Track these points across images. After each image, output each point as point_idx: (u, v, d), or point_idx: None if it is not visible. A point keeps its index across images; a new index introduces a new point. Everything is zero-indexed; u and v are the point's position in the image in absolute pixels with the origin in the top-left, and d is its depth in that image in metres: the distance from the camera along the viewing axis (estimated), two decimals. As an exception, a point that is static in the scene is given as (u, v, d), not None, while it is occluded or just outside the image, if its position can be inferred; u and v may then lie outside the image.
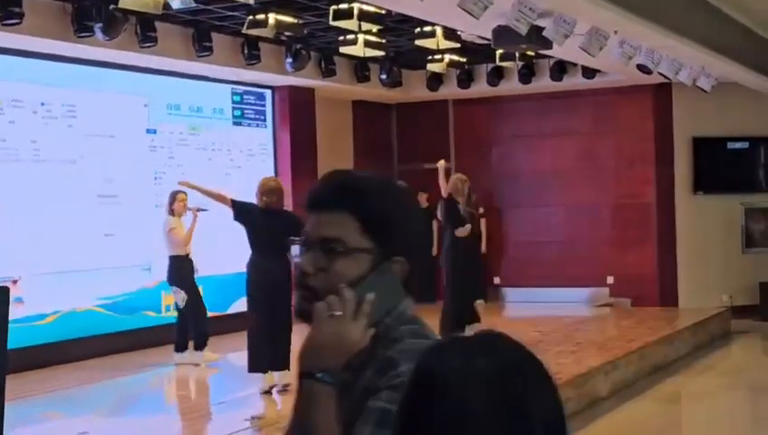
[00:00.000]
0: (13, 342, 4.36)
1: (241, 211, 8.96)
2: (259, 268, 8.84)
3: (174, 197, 10.86)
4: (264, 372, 8.93)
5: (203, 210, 10.80)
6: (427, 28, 11.97)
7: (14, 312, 4.32)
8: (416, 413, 1.31)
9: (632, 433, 8.85)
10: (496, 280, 16.14)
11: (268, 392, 8.92)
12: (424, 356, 1.35)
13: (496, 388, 1.28)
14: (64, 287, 11.12)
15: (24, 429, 7.73)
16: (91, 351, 11.26)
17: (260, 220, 8.82)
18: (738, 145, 15.25)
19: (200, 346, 10.86)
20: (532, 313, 14.67)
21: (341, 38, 12.41)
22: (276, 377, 8.92)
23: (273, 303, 8.67)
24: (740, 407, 10.57)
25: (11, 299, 4.63)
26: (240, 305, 12.47)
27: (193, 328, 10.86)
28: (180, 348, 10.89)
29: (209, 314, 12.80)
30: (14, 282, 10.20)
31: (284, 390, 8.85)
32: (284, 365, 8.79)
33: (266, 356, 8.82)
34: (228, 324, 12.41)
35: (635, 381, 10.57)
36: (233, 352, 10.52)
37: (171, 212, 10.90)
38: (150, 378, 11.01)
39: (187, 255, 10.82)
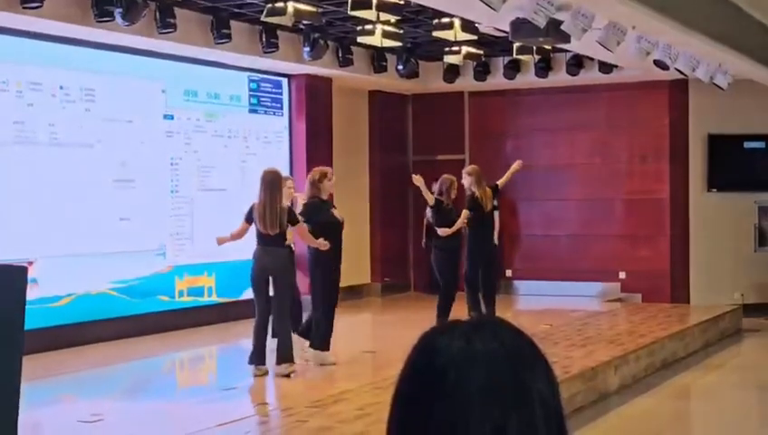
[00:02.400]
0: (27, 323, 4.42)
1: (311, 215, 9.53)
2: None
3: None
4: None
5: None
6: (445, 19, 11.98)
7: (29, 293, 4.39)
8: (415, 394, 1.31)
9: (641, 428, 8.88)
10: (508, 272, 16.17)
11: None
12: (424, 337, 1.36)
13: (497, 371, 1.29)
14: (79, 270, 11.20)
15: (36, 410, 7.80)
16: (105, 334, 11.34)
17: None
18: (755, 144, 15.21)
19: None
20: (542, 306, 14.69)
21: (359, 28, 12.43)
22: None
23: None
24: (749, 405, 10.57)
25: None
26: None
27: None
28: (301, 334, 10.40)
29: (225, 299, 12.89)
30: (30, 264, 10.26)
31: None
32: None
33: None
34: (242, 311, 12.48)
35: (644, 377, 10.59)
36: (246, 338, 10.56)
37: None
38: (163, 362, 11.08)
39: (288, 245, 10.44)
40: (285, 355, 9.28)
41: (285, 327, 9.36)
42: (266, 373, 9.32)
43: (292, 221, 9.26)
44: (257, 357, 9.35)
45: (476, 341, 1.32)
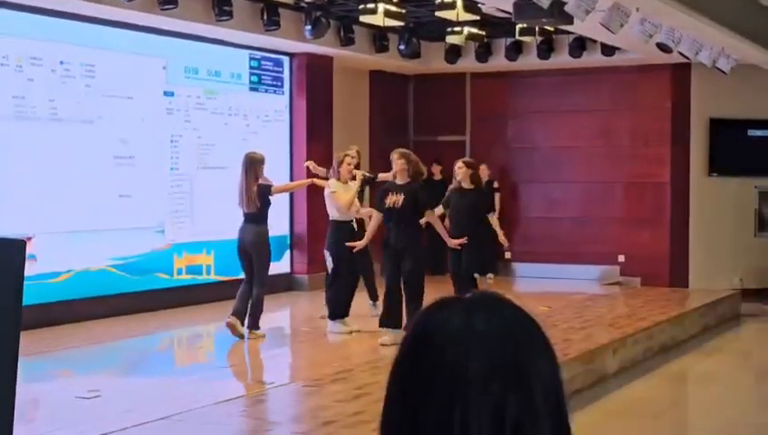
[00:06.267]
0: (25, 299, 4.38)
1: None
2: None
3: (341, 160, 10.56)
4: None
5: (370, 177, 10.97)
6: (448, -1, 11.93)
7: (28, 269, 4.33)
8: (413, 371, 1.30)
9: (638, 411, 8.88)
10: (507, 255, 16.15)
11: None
12: (423, 314, 1.34)
13: (496, 349, 1.28)
14: (78, 246, 11.18)
15: (34, 385, 7.80)
16: (104, 310, 11.32)
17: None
18: (760, 133, 15.16)
19: (333, 315, 10.55)
20: (542, 288, 14.68)
21: (361, 7, 12.37)
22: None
23: None
24: (746, 389, 10.59)
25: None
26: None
27: (332, 294, 10.66)
28: (333, 316, 10.53)
29: (224, 278, 12.89)
30: (29, 239, 10.23)
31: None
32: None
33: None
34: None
35: (643, 360, 10.59)
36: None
37: (337, 175, 10.55)
38: (161, 340, 11.08)
39: (349, 221, 10.49)
40: (251, 323, 10.04)
41: (258, 297, 10.01)
42: (237, 332, 9.97)
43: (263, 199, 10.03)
44: (233, 311, 10.09)
45: (476, 318, 1.30)
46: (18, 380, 4.38)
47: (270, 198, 10.10)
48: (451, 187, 10.89)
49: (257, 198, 9.92)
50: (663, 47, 11.37)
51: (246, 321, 10.05)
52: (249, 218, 10.02)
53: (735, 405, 9.61)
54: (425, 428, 1.28)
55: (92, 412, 7.28)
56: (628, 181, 15.57)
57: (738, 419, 8.97)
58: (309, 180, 10.81)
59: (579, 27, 11.05)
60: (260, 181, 10.03)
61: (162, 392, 8.07)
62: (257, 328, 10.13)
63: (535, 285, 15.08)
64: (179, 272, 12.57)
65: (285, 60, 14.30)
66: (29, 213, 10.60)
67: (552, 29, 13.69)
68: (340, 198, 10.32)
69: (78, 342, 10.16)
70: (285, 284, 13.75)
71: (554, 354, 1.34)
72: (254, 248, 10.01)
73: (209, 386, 8.13)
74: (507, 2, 9.52)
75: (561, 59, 14.97)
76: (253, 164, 10.01)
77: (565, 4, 8.82)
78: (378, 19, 12.47)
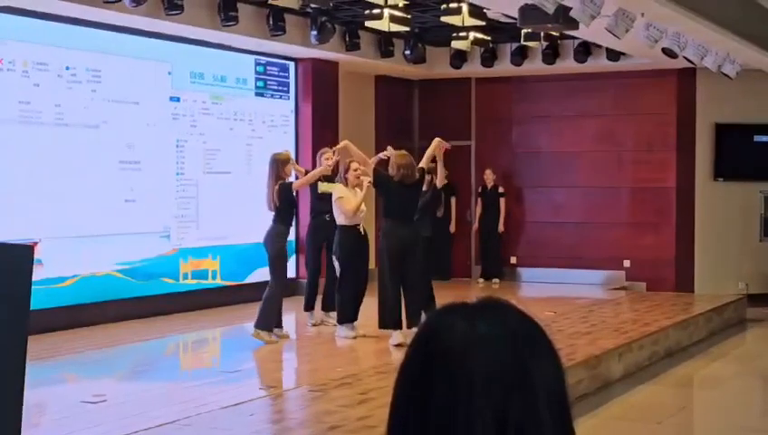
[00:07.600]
0: (32, 303, 4.41)
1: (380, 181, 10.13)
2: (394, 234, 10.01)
3: (347, 166, 10.60)
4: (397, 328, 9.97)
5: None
6: (453, 5, 11.95)
7: (34, 274, 4.36)
8: (417, 376, 1.31)
9: (644, 416, 8.88)
10: (513, 260, 16.16)
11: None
12: (428, 319, 1.36)
13: (499, 353, 1.28)
14: (84, 251, 11.20)
15: (40, 389, 7.81)
16: (109, 315, 11.34)
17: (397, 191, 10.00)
18: (766, 138, 15.14)
19: (341, 320, 10.52)
20: (547, 293, 14.67)
21: (367, 12, 12.39)
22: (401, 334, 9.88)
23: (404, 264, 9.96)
24: (752, 394, 10.57)
25: (34, 260, 4.63)
26: (257, 276, 12.56)
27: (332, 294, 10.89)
28: (342, 320, 10.50)
29: (230, 283, 12.90)
30: (35, 244, 10.24)
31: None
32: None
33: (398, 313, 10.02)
34: (246, 294, 12.48)
35: (648, 365, 10.59)
36: (249, 322, 10.59)
37: (344, 181, 10.58)
38: (167, 345, 11.08)
39: (355, 225, 10.44)
40: (256, 322, 10.14)
41: (267, 297, 10.14)
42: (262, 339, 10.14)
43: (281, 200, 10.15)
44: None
45: (480, 323, 1.31)
46: (25, 384, 4.38)
47: (293, 196, 10.26)
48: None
49: (277, 198, 10.06)
50: (668, 52, 11.37)
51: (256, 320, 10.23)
52: (272, 218, 10.25)
53: (741, 410, 9.60)
54: (429, 430, 1.28)
55: (98, 417, 7.29)
56: (634, 186, 15.57)
57: (743, 423, 8.96)
58: (319, 170, 10.75)
59: (584, 32, 11.06)
60: (285, 181, 10.22)
61: (169, 397, 8.08)
62: (261, 327, 10.10)
63: (540, 290, 15.07)
64: (185, 277, 12.58)
65: (291, 65, 14.32)
66: (35, 218, 10.62)
67: (557, 34, 13.71)
68: (347, 203, 10.34)
69: (84, 346, 10.18)
70: (290, 288, 13.74)
71: (559, 358, 1.34)
72: (267, 246, 10.24)
73: (216, 391, 8.13)
74: (513, 7, 9.53)
75: (567, 64, 14.98)
76: (274, 164, 10.20)
77: (570, 9, 8.84)
78: (383, 24, 12.49)
